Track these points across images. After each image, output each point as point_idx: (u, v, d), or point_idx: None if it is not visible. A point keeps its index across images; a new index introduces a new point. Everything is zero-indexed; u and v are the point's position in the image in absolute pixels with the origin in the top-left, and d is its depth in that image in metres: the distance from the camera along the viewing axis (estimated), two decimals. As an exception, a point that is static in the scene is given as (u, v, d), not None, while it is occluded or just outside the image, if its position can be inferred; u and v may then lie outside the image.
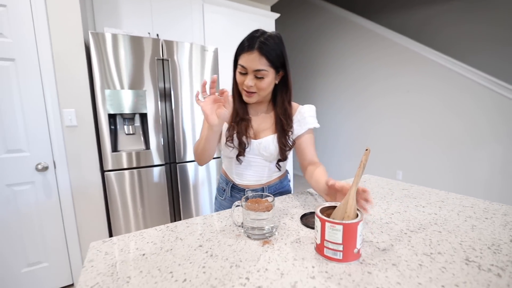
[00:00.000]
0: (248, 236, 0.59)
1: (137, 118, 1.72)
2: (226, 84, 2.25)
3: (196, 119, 1.82)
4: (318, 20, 3.70)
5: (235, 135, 0.81)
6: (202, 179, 1.90)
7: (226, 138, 0.82)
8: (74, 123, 1.49)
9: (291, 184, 1.09)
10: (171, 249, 0.54)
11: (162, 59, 1.67)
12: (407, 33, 3.01)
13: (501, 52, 2.67)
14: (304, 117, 0.84)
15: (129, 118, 1.66)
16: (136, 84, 1.60)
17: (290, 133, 0.83)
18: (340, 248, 0.47)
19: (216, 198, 1.01)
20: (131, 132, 1.68)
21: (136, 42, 1.57)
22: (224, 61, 2.11)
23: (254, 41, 0.70)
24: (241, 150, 0.82)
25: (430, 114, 2.64)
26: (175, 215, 1.81)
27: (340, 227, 0.46)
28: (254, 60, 0.70)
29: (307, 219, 0.68)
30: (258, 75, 0.73)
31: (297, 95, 3.88)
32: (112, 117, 1.62)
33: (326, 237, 0.48)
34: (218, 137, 0.81)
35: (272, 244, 0.56)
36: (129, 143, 1.70)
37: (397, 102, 2.92)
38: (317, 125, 0.86)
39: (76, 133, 1.50)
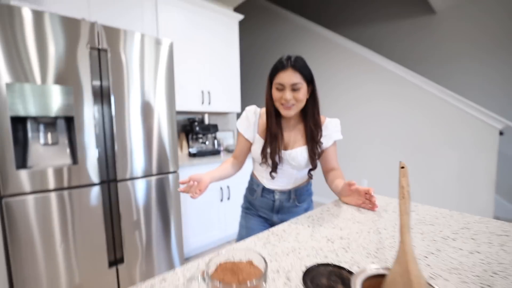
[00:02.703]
0: None
1: (61, 124, 1.29)
2: (180, 79, 1.96)
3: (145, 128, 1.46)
4: (281, 28, 3.62)
5: (268, 155, 0.88)
6: (157, 199, 1.52)
7: (261, 158, 0.90)
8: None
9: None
10: None
11: (98, 49, 1.29)
12: (369, 45, 3.12)
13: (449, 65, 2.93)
14: (331, 132, 0.92)
15: (47, 124, 1.23)
16: (59, 78, 1.19)
17: (320, 143, 0.89)
18: None
19: (245, 197, 1.06)
20: (50, 142, 1.24)
21: (65, 25, 1.17)
22: (179, 55, 1.79)
23: (287, 62, 0.79)
24: (274, 168, 0.89)
25: (390, 122, 2.71)
26: (115, 250, 1.39)
27: None
28: (290, 76, 0.79)
29: (315, 282, 0.42)
30: (294, 88, 0.80)
31: (257, 103, 3.66)
32: (20, 122, 1.17)
33: None
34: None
35: None
36: (48, 156, 1.25)
37: (360, 111, 2.95)
38: (341, 137, 0.93)
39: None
